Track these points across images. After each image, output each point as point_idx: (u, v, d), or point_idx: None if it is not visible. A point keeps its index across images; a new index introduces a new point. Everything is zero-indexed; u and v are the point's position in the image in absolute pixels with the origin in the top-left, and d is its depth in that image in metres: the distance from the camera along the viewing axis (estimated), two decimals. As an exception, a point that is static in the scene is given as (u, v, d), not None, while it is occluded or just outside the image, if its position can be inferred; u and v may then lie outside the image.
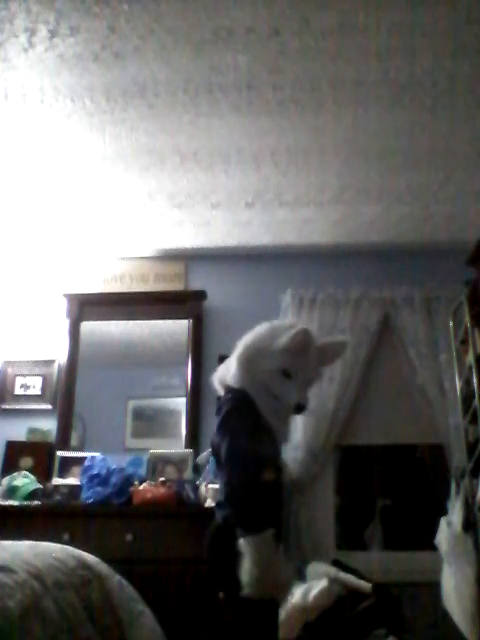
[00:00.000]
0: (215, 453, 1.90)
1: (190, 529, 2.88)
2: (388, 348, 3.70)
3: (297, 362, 1.85)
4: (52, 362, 3.83)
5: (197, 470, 3.31)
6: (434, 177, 3.18)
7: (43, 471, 3.41)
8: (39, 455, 3.52)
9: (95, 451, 3.42)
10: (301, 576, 2.87)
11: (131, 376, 3.91)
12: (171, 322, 3.88)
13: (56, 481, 3.29)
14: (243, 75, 2.47)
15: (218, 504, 1.89)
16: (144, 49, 2.34)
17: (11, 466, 3.44)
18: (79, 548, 2.11)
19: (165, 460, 3.38)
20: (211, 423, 1.95)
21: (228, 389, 1.93)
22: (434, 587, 2.96)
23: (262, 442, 1.81)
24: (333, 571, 2.89)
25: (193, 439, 3.54)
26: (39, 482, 3.27)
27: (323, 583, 2.76)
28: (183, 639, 2.59)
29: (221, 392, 2.01)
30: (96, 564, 2.05)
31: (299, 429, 3.41)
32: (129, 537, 2.91)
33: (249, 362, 1.87)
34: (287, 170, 3.11)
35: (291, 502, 3.32)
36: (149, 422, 3.76)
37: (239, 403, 1.84)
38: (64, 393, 3.73)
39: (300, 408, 1.85)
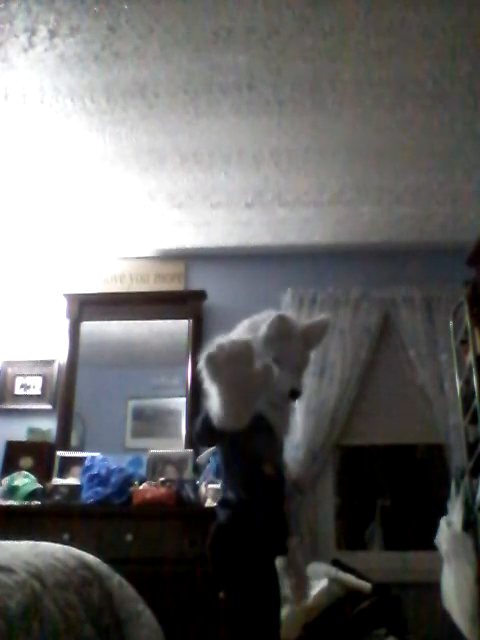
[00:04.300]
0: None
1: (190, 529, 2.88)
2: (388, 348, 3.70)
3: (282, 349, 1.84)
4: (52, 362, 3.83)
5: (197, 470, 3.31)
6: (434, 177, 3.18)
7: (43, 471, 3.41)
8: (39, 455, 3.51)
9: (95, 451, 3.41)
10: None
11: (131, 376, 3.91)
12: (171, 322, 3.88)
13: (56, 481, 3.29)
14: (243, 75, 2.47)
15: (220, 503, 1.88)
16: (144, 49, 2.34)
17: (11, 466, 3.44)
18: (79, 548, 2.11)
19: (165, 460, 3.37)
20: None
21: None
22: (434, 587, 2.96)
23: (261, 439, 1.81)
24: (333, 571, 2.89)
25: (193, 439, 3.53)
26: (39, 482, 3.27)
27: (323, 583, 2.77)
28: (183, 639, 2.59)
29: None
30: (96, 564, 2.04)
31: (299, 429, 3.42)
32: (129, 537, 2.90)
33: None
34: (287, 170, 3.11)
35: (291, 502, 3.31)
36: (149, 422, 3.76)
37: None
38: (64, 393, 3.73)
39: (295, 394, 1.84)
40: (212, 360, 1.59)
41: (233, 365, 1.59)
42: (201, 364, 1.62)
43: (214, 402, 1.68)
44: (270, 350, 1.84)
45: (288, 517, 1.94)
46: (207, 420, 1.72)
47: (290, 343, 1.86)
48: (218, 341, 1.61)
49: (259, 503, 1.79)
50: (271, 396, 1.84)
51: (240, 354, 1.59)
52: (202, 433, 1.81)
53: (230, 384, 1.61)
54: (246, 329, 1.91)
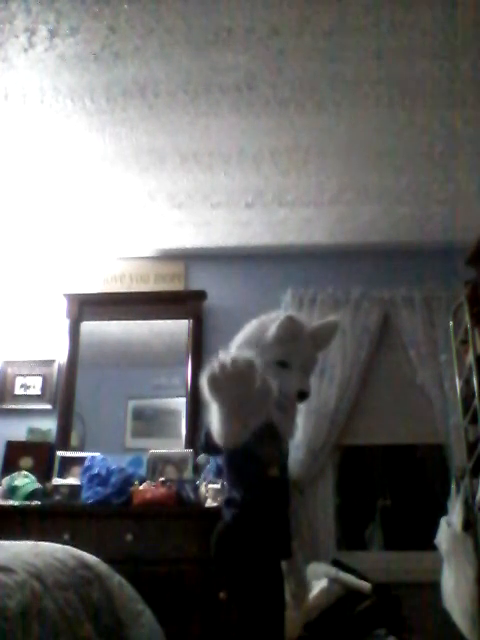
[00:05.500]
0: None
1: (190, 529, 2.88)
2: (388, 348, 3.70)
3: (291, 350, 1.84)
4: (52, 362, 3.83)
5: (197, 470, 3.31)
6: (434, 177, 3.18)
7: (43, 471, 3.41)
8: (39, 455, 3.51)
9: (95, 451, 3.41)
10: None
11: (131, 376, 3.91)
12: (171, 322, 3.88)
13: (56, 481, 3.29)
14: (243, 75, 2.47)
15: (226, 502, 1.88)
16: (144, 49, 2.34)
17: (11, 466, 3.44)
18: (79, 548, 2.11)
19: (165, 460, 3.38)
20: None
21: None
22: (434, 587, 2.96)
23: (265, 441, 1.80)
24: (333, 571, 2.89)
25: (193, 439, 3.53)
26: (39, 482, 3.27)
27: (323, 583, 2.77)
28: (183, 639, 2.59)
29: None
30: (96, 564, 2.04)
31: (299, 429, 3.41)
32: (129, 537, 2.90)
33: None
34: (287, 170, 3.11)
35: (291, 502, 3.31)
36: (149, 422, 3.76)
37: None
38: (64, 393, 3.73)
39: (303, 395, 1.84)
40: (213, 380, 1.57)
41: (234, 385, 1.57)
42: (202, 382, 1.60)
43: (214, 419, 1.67)
44: (276, 351, 1.83)
45: (291, 519, 1.94)
46: (209, 435, 1.72)
47: (298, 344, 1.85)
48: (220, 358, 1.58)
49: (263, 505, 1.79)
50: (277, 398, 1.83)
51: (242, 374, 1.57)
52: (206, 447, 1.81)
53: (230, 404, 1.60)
54: (254, 329, 1.91)
